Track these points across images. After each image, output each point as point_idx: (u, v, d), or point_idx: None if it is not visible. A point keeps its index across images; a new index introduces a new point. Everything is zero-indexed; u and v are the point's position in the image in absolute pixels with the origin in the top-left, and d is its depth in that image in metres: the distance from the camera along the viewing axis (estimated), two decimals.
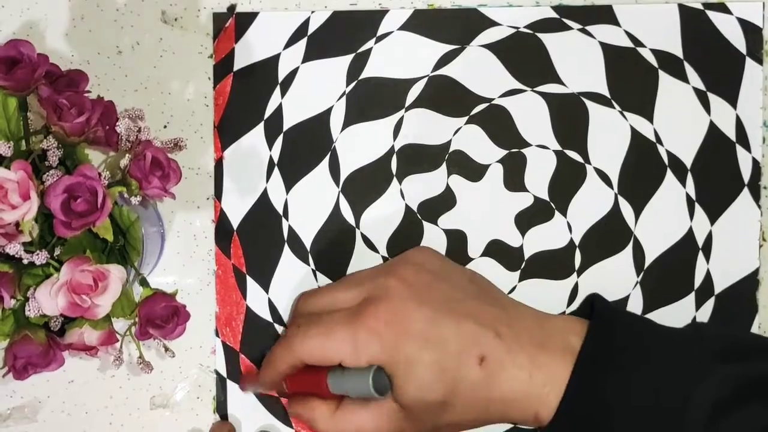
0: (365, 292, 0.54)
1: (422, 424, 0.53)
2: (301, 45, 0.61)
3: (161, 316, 0.51)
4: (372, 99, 0.61)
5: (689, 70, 0.60)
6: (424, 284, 0.54)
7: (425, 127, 0.61)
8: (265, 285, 0.61)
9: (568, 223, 0.60)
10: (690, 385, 0.49)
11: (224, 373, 0.61)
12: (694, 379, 0.50)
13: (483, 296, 0.55)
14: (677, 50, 0.60)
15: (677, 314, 0.60)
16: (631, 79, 0.60)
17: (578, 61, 0.60)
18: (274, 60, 0.61)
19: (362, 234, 0.61)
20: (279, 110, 0.61)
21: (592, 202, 0.60)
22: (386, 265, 0.58)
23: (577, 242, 0.60)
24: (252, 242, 0.61)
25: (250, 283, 0.61)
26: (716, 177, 0.60)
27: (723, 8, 0.60)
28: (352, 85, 0.61)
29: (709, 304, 0.60)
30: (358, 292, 0.55)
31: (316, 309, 0.56)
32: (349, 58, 0.61)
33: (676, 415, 0.49)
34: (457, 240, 0.61)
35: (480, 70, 0.61)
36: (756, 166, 0.60)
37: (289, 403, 0.58)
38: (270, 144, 0.61)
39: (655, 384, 0.50)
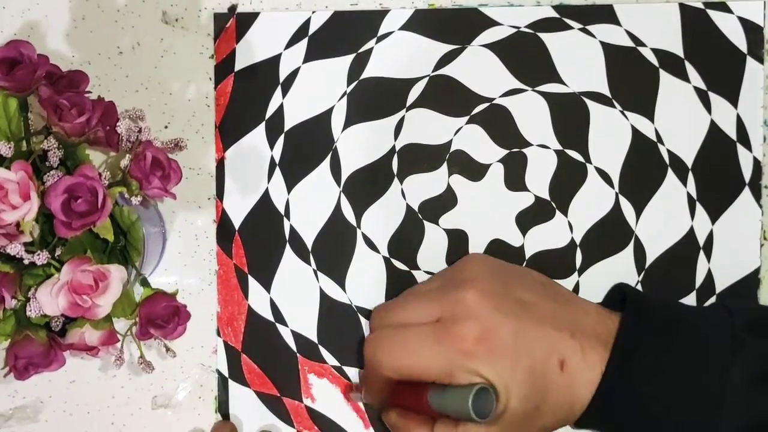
0: (442, 308, 0.54)
1: None
2: (302, 45, 0.61)
3: (162, 316, 0.51)
4: (373, 99, 0.61)
5: (690, 69, 0.60)
6: (499, 293, 0.53)
7: (426, 126, 0.61)
8: (267, 285, 0.61)
9: (569, 223, 0.60)
10: (726, 358, 0.50)
11: (226, 373, 0.61)
12: (728, 352, 0.50)
13: (552, 295, 0.55)
14: (678, 49, 0.60)
15: None
16: (632, 78, 0.60)
17: (579, 60, 0.60)
18: (275, 60, 0.61)
19: (363, 234, 0.61)
20: (280, 110, 0.61)
21: (592, 202, 0.60)
22: (453, 275, 0.57)
23: (578, 242, 0.60)
24: (253, 242, 0.61)
25: (252, 282, 0.61)
26: (717, 176, 0.60)
27: (724, 7, 0.60)
28: (353, 85, 0.61)
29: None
30: (433, 307, 0.54)
31: (391, 324, 0.56)
32: (350, 58, 0.61)
33: (715, 388, 0.50)
34: (458, 240, 0.61)
35: (481, 70, 0.61)
36: (757, 165, 0.60)
37: (389, 411, 0.57)
38: (271, 144, 0.61)
39: (691, 359, 0.51)
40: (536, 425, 0.53)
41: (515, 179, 0.61)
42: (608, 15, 0.60)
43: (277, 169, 0.61)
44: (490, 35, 0.61)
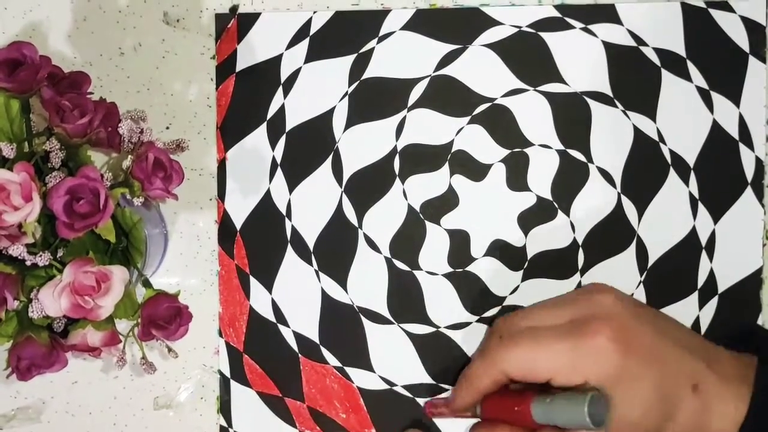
0: (577, 311, 0.53)
1: None
2: (304, 45, 0.61)
3: (164, 316, 0.51)
4: (374, 99, 0.61)
5: (692, 68, 0.60)
6: (637, 306, 0.53)
7: (428, 126, 0.61)
8: (269, 285, 0.61)
9: (571, 223, 0.60)
10: None
11: (228, 374, 0.61)
12: None
13: (683, 328, 0.55)
14: (680, 49, 0.60)
15: (680, 313, 0.59)
16: (634, 77, 0.60)
17: (581, 60, 0.60)
18: (276, 60, 0.61)
19: (365, 234, 0.61)
20: (281, 111, 0.61)
21: (595, 202, 0.60)
22: (587, 289, 0.55)
23: (580, 242, 0.60)
24: (255, 243, 0.61)
25: (254, 283, 0.61)
26: (719, 176, 0.60)
27: (726, 6, 0.60)
28: (355, 85, 0.61)
29: (713, 303, 0.60)
30: (567, 311, 0.53)
31: (520, 326, 0.54)
32: (352, 58, 0.61)
33: None
34: (459, 240, 0.61)
35: (482, 70, 0.61)
36: (759, 164, 0.60)
37: (475, 427, 0.56)
38: (273, 144, 0.61)
39: None
40: None
41: (517, 179, 0.60)
42: (610, 14, 0.60)
43: (279, 169, 0.61)
44: (492, 35, 0.61)
